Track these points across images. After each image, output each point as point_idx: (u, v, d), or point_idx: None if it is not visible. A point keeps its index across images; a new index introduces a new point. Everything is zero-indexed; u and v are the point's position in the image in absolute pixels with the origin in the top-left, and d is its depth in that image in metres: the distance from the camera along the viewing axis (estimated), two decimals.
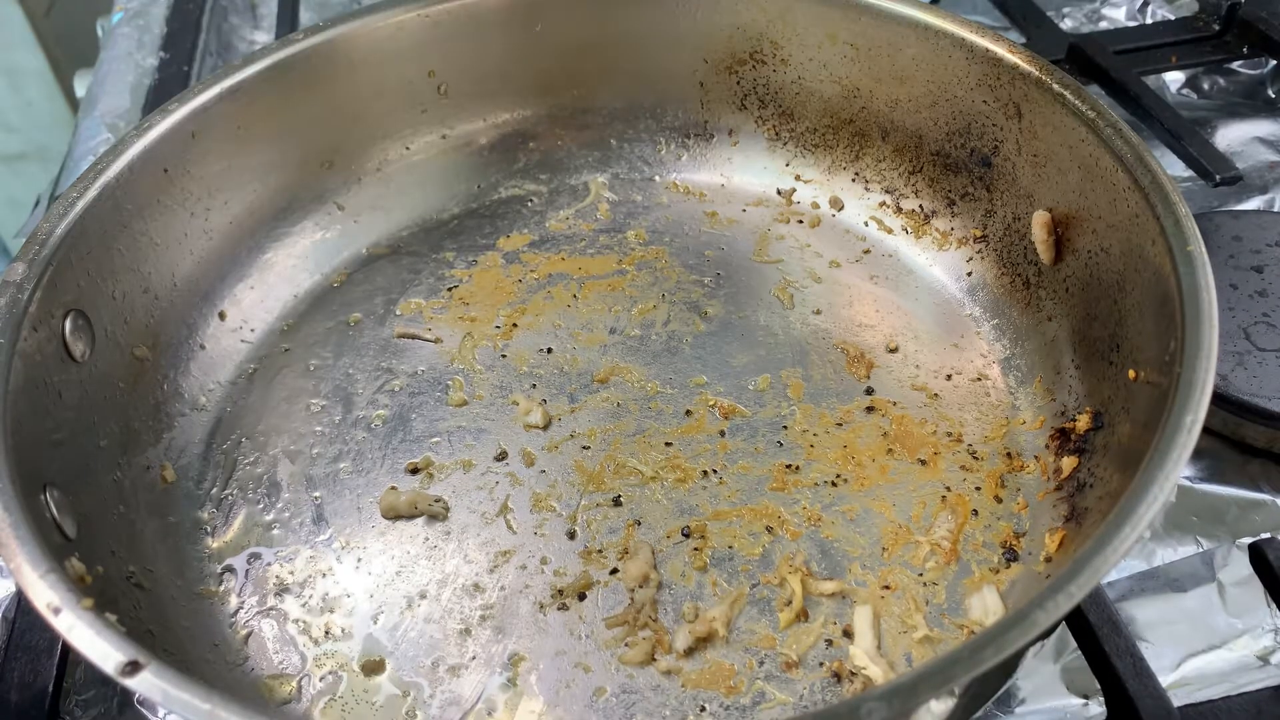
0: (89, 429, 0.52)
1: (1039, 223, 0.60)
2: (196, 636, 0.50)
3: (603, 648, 0.49)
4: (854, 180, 0.72)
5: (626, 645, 0.49)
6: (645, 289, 0.68)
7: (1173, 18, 0.92)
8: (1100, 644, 0.47)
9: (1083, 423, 0.54)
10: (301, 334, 0.65)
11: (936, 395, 0.60)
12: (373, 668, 0.49)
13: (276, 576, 0.53)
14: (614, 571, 0.52)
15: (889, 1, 0.65)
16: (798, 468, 0.56)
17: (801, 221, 0.72)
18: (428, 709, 0.48)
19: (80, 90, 0.97)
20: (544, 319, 0.66)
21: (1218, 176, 0.71)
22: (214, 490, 0.57)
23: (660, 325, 0.65)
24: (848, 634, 0.49)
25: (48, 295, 0.51)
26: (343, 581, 0.53)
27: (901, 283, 0.67)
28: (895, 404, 0.60)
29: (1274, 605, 0.51)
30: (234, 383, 0.62)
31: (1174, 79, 0.87)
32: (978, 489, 0.55)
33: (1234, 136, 0.80)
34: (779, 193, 0.74)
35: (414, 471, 0.57)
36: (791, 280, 0.68)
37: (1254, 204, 0.74)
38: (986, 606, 0.49)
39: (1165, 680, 0.47)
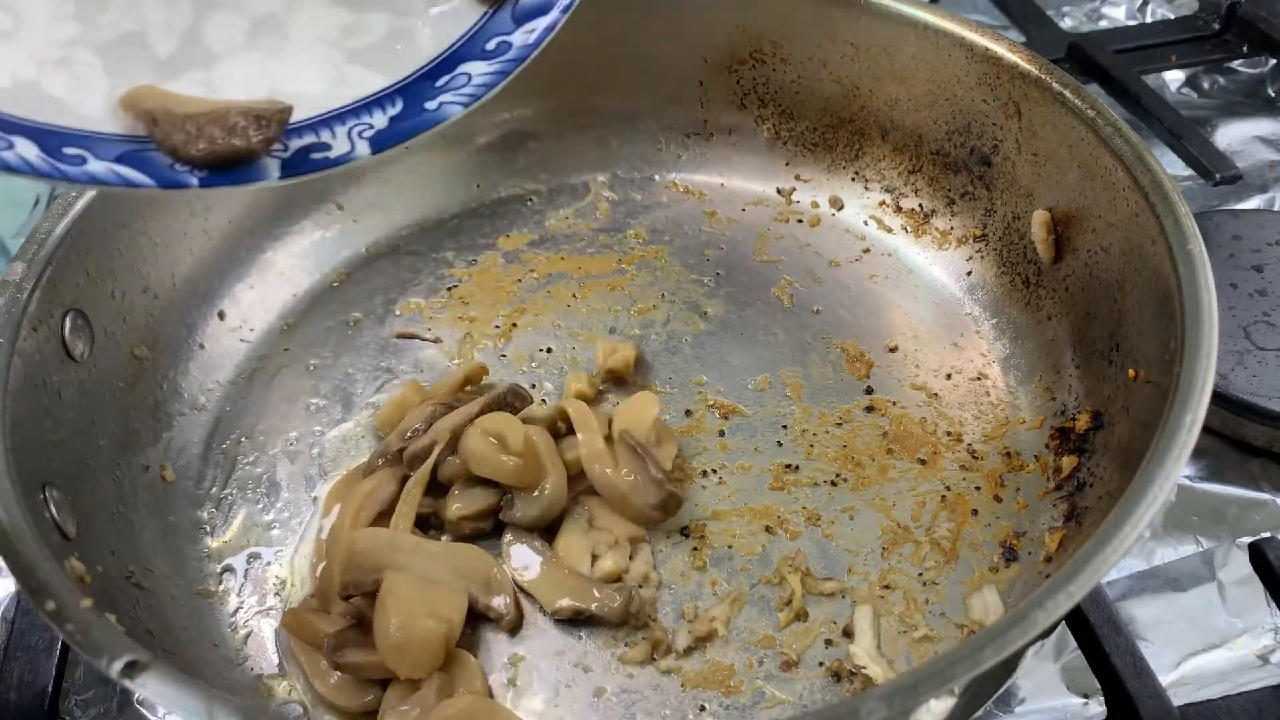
0: (88, 429, 0.52)
1: (1039, 222, 0.60)
2: (196, 636, 0.50)
3: (603, 647, 0.49)
4: (854, 179, 0.72)
5: (626, 645, 0.49)
6: (645, 289, 0.68)
7: (1172, 17, 0.92)
8: (1100, 643, 0.47)
9: (1082, 422, 0.54)
10: (301, 334, 0.65)
11: (936, 395, 0.60)
12: None
13: (276, 576, 0.53)
14: None
15: (889, 1, 0.65)
16: (797, 467, 0.56)
17: (801, 221, 0.72)
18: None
19: None
20: (544, 319, 0.66)
21: (1217, 175, 0.71)
22: (213, 490, 0.57)
23: (660, 325, 0.65)
24: (847, 633, 0.49)
25: (47, 295, 0.51)
26: None
27: (901, 282, 0.67)
28: (895, 403, 0.60)
29: (1274, 604, 0.51)
30: (233, 382, 0.62)
31: (1174, 78, 0.87)
32: (977, 488, 0.55)
33: (1234, 135, 0.80)
34: (779, 192, 0.74)
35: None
36: (791, 280, 0.68)
37: (1254, 203, 0.74)
38: (986, 606, 0.49)
39: (1165, 680, 0.47)
